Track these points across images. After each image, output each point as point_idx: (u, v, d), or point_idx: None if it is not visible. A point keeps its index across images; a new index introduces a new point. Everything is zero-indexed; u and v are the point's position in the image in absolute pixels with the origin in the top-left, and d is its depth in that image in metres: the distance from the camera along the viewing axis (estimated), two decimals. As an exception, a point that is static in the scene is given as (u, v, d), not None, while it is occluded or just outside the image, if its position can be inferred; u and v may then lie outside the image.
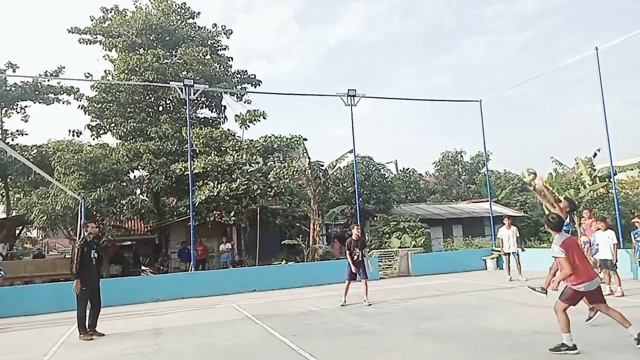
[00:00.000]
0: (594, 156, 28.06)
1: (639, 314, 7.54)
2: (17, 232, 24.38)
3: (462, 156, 39.92)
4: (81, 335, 7.95)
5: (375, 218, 23.74)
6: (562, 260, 5.51)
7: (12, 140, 23.46)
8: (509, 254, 13.25)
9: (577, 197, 24.81)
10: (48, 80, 21.62)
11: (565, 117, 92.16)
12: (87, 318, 8.11)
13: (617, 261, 9.30)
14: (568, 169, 30.32)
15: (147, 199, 20.91)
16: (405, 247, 17.59)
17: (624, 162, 27.45)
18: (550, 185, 27.56)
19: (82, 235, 8.38)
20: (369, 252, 10.33)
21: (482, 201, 28.96)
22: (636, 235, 9.80)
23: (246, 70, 23.88)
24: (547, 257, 14.87)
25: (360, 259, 9.99)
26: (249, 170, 19.47)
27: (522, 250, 13.53)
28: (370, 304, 9.67)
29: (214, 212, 19.69)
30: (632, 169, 28.13)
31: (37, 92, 21.41)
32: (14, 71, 21.89)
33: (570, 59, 15.39)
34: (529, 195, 30.54)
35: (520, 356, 5.53)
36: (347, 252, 9.95)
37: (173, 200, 22.28)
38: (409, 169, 39.39)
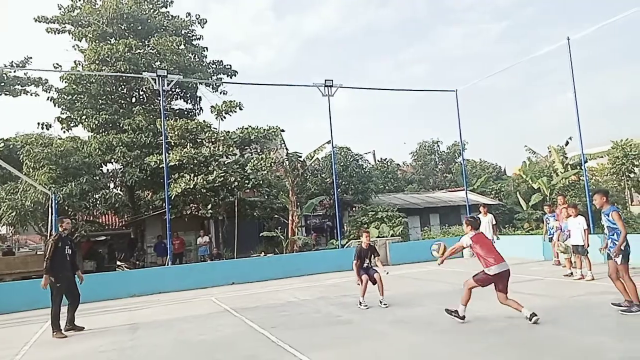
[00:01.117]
0: (566, 144, 28.82)
1: (608, 297, 7.77)
2: (-15, 229, 23.61)
3: (438, 146, 40.41)
4: (54, 334, 7.72)
5: (353, 208, 23.86)
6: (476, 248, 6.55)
7: (-22, 134, 22.63)
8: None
9: (549, 184, 25.47)
10: (14, 71, 20.82)
11: (540, 106, 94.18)
12: (66, 313, 7.98)
13: (588, 246, 9.55)
14: (541, 157, 31.04)
15: (121, 193, 20.49)
16: (383, 237, 17.72)
17: (595, 150, 28.26)
18: (524, 174, 28.27)
19: (57, 231, 8.20)
20: (379, 258, 8.88)
21: (459, 190, 29.41)
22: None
23: (222, 61, 23.55)
24: (522, 244, 15.24)
25: (371, 266, 8.62)
26: (225, 162, 19.25)
27: (497, 239, 13.77)
28: (387, 306, 8.34)
29: (191, 205, 19.44)
30: (602, 157, 29.01)
31: (2, 84, 20.58)
32: (-23, 62, 21.02)
33: (544, 49, 15.62)
34: (504, 183, 31.17)
35: (499, 341, 5.62)
36: (355, 262, 8.45)
37: (148, 194, 21.90)
38: (386, 159, 39.67)
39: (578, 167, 25.52)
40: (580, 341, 5.37)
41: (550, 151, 29.38)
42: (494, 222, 13.56)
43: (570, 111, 14.11)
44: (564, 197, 12.23)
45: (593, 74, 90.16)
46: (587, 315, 6.64)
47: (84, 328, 8.03)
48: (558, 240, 11.13)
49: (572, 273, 10.17)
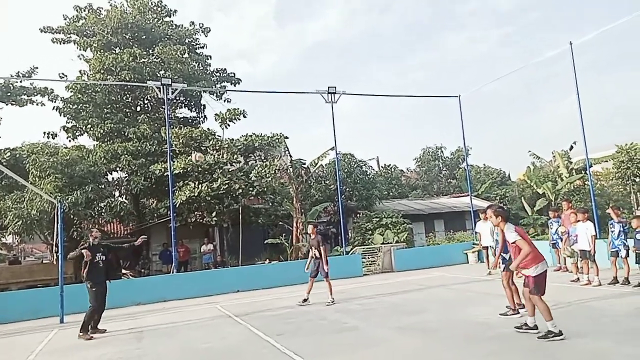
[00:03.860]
0: (570, 149, 28.69)
1: (615, 303, 7.74)
2: (-8, 238, 23.70)
3: (442, 151, 40.35)
4: (81, 334, 7.97)
5: (357, 215, 23.81)
6: (520, 242, 5.82)
7: (-16, 143, 22.77)
8: (487, 247, 13.39)
9: (554, 189, 25.36)
10: (20, 81, 21.00)
11: (543, 111, 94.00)
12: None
13: (594, 252, 9.51)
14: (546, 162, 30.93)
15: (126, 201, 20.54)
16: (388, 243, 17.67)
17: (599, 154, 28.11)
18: (529, 179, 28.17)
19: (88, 241, 8.61)
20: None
21: (463, 195, 29.32)
22: (611, 226, 10.02)
23: (225, 69, 23.67)
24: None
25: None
26: (230, 170, 19.29)
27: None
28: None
29: (195, 212, 19.46)
30: (607, 161, 28.84)
31: (9, 94, 20.76)
32: (-16, 72, 21.30)
33: (547, 54, 15.67)
34: (508, 189, 31.06)
35: (503, 347, 5.60)
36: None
37: (153, 202, 21.94)
38: (390, 165, 39.62)
39: (583, 172, 25.40)
40: (586, 347, 5.34)
41: (554, 156, 29.27)
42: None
43: (574, 116, 14.08)
44: (569, 202, 12.18)
45: (597, 78, 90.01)
46: (593, 321, 6.60)
47: (105, 330, 8.33)
48: (564, 245, 11.09)
49: (578, 278, 10.12)
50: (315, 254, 9.89)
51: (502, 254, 7.30)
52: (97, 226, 20.10)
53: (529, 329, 6.03)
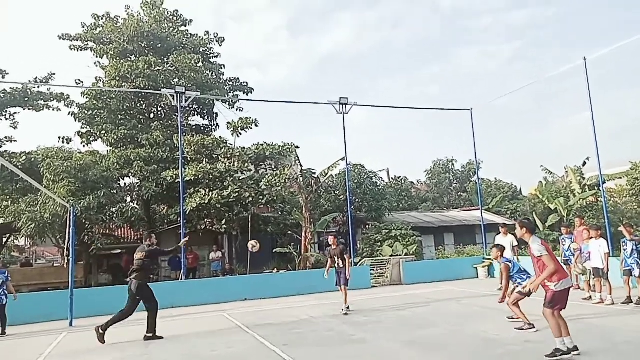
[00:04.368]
0: (584, 165, 28.38)
1: (628, 322, 7.59)
2: (5, 240, 24.00)
3: (453, 164, 40.12)
4: (99, 330, 8.07)
5: (367, 226, 23.72)
6: (546, 259, 5.63)
7: (1, 147, 23.17)
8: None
9: (567, 205, 25.05)
10: (38, 87, 21.39)
11: (555, 126, 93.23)
12: (147, 321, 8.40)
13: (608, 270, 9.36)
14: (558, 178, 30.60)
15: (137, 207, 20.71)
16: (397, 256, 17.57)
17: (613, 171, 27.75)
18: (541, 194, 27.88)
19: (152, 244, 8.91)
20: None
21: (474, 209, 29.09)
22: (624, 244, 9.84)
23: (238, 78, 23.88)
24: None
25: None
26: (240, 178, 19.38)
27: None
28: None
29: (205, 220, 19.55)
30: (621, 178, 28.46)
31: (26, 99, 21.15)
32: (3, 77, 21.66)
33: (560, 69, 15.62)
34: (520, 203, 30.77)
35: (512, 365, 5.52)
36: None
37: (164, 208, 22.09)
38: (400, 177, 39.50)
39: (596, 188, 25.09)
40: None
41: (567, 171, 28.97)
42: (515, 244, 13.04)
43: (587, 131, 13.94)
44: (582, 218, 12.03)
45: (610, 94, 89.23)
46: (605, 341, 6.48)
47: (162, 338, 8.26)
48: (576, 262, 10.92)
49: (591, 297, 9.95)
50: (338, 264, 10.14)
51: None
52: (108, 230, 20.32)
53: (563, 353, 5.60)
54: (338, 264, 10.15)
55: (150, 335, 8.24)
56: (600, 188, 16.37)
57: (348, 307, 9.97)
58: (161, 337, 8.23)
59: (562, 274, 5.70)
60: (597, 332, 7.11)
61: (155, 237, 9.28)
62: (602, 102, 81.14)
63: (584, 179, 27.44)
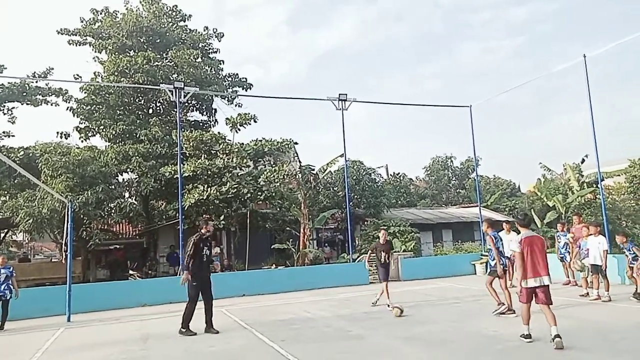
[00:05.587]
0: (582, 162, 28.43)
1: (624, 318, 7.61)
2: (2, 235, 23.97)
3: (452, 161, 40.18)
4: (183, 331, 7.99)
5: (365, 222, 23.74)
6: (517, 256, 6.14)
7: (-1, 142, 23.10)
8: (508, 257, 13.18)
9: (565, 202, 25.11)
10: (36, 82, 21.31)
11: (554, 123, 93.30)
12: (205, 315, 8.20)
13: (606, 267, 9.38)
14: (556, 175, 30.66)
15: (135, 202, 20.69)
16: (395, 252, 17.56)
17: (611, 168, 27.81)
18: (539, 191, 27.91)
19: (199, 232, 8.44)
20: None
21: (472, 206, 29.12)
22: (625, 250, 9.84)
23: (237, 74, 23.85)
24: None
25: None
26: (239, 174, 19.37)
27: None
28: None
29: (204, 215, 19.52)
30: (619, 175, 28.51)
31: (24, 94, 21.08)
32: (0, 72, 21.59)
33: (559, 66, 15.56)
34: (518, 200, 30.83)
35: (510, 361, 5.53)
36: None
37: (162, 204, 22.09)
38: (399, 173, 39.56)
39: (594, 186, 25.14)
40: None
41: (565, 169, 29.02)
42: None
43: (586, 128, 13.95)
44: (580, 216, 12.04)
45: (610, 91, 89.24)
46: (601, 337, 6.49)
47: (218, 332, 8.08)
48: (574, 258, 10.95)
49: (588, 293, 9.97)
50: (385, 259, 10.15)
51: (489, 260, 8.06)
52: (106, 226, 20.28)
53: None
54: (385, 258, 10.15)
55: (183, 330, 8.12)
56: (599, 185, 16.38)
57: (390, 305, 9.50)
58: (194, 333, 8.03)
59: (527, 273, 6.08)
60: (592, 328, 7.13)
61: (212, 225, 9.16)
62: (602, 100, 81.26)
63: (582, 176, 27.49)
